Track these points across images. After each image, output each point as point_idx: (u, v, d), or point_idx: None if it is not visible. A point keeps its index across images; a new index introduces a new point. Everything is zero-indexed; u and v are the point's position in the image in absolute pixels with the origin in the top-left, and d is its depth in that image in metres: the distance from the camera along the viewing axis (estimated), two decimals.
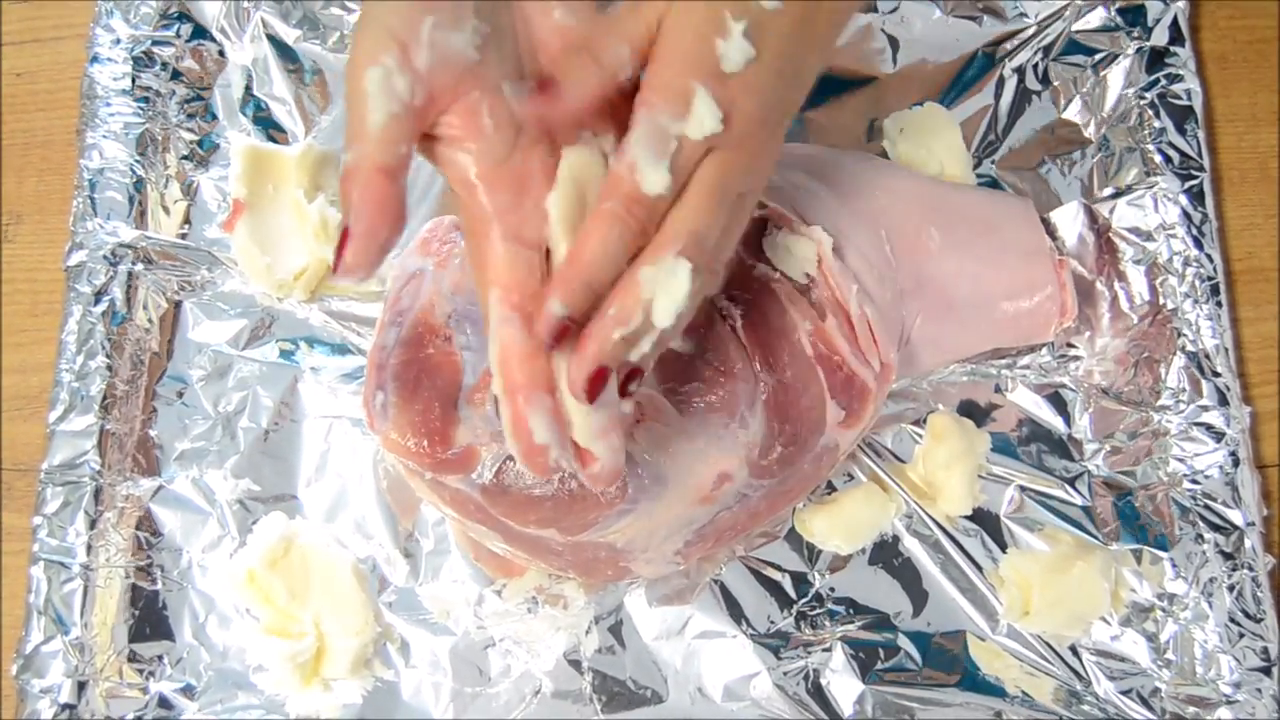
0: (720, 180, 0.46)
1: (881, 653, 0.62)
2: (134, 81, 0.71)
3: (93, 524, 0.63)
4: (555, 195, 0.46)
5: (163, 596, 0.63)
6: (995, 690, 0.61)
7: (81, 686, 0.60)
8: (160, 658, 0.62)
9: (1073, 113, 0.71)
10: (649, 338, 0.45)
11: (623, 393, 0.46)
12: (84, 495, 0.63)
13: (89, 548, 0.62)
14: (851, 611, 0.62)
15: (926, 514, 0.64)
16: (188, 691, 0.61)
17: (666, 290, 0.45)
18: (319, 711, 0.61)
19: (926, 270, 0.62)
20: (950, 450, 0.64)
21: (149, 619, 0.63)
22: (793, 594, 0.63)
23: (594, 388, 0.45)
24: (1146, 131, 0.69)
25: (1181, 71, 0.69)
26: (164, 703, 0.61)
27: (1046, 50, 0.71)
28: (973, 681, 0.61)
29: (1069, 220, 0.68)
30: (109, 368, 0.65)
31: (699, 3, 0.45)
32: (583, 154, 0.47)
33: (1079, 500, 0.64)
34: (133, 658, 0.62)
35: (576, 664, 0.61)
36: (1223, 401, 0.64)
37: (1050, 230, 0.66)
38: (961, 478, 0.63)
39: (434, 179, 0.71)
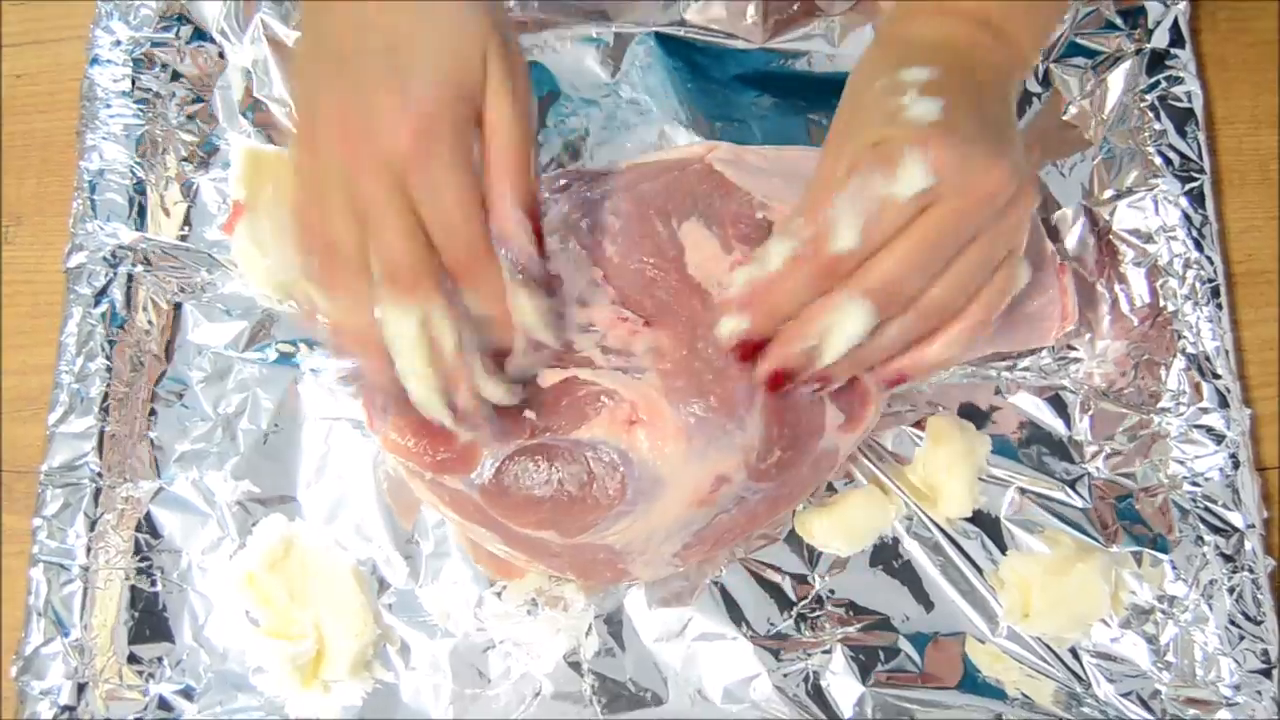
0: (934, 233, 0.49)
1: (881, 655, 0.62)
2: (134, 83, 0.71)
3: (92, 526, 0.63)
4: None
5: (162, 598, 0.63)
6: (995, 692, 0.61)
7: (81, 688, 0.60)
8: (160, 659, 0.62)
9: (1073, 114, 0.71)
10: (825, 359, 0.52)
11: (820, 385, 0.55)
12: (84, 497, 0.63)
13: (89, 549, 0.62)
14: (851, 614, 0.62)
15: (926, 516, 0.64)
16: (187, 693, 0.61)
17: (840, 327, 0.50)
18: (319, 713, 0.61)
19: None
20: (950, 452, 0.64)
21: (149, 621, 0.63)
22: (793, 596, 0.63)
23: (775, 385, 0.54)
24: (1147, 134, 0.69)
25: (1182, 74, 0.69)
26: (164, 704, 0.61)
27: (1047, 52, 0.71)
28: (973, 684, 0.61)
29: (1070, 222, 0.68)
30: (109, 369, 0.65)
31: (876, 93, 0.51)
32: None
33: (1079, 502, 0.64)
34: (132, 659, 0.62)
35: (576, 666, 0.61)
36: (1223, 404, 0.64)
37: (1051, 232, 0.66)
38: (962, 480, 0.63)
39: None
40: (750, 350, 0.53)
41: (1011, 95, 0.54)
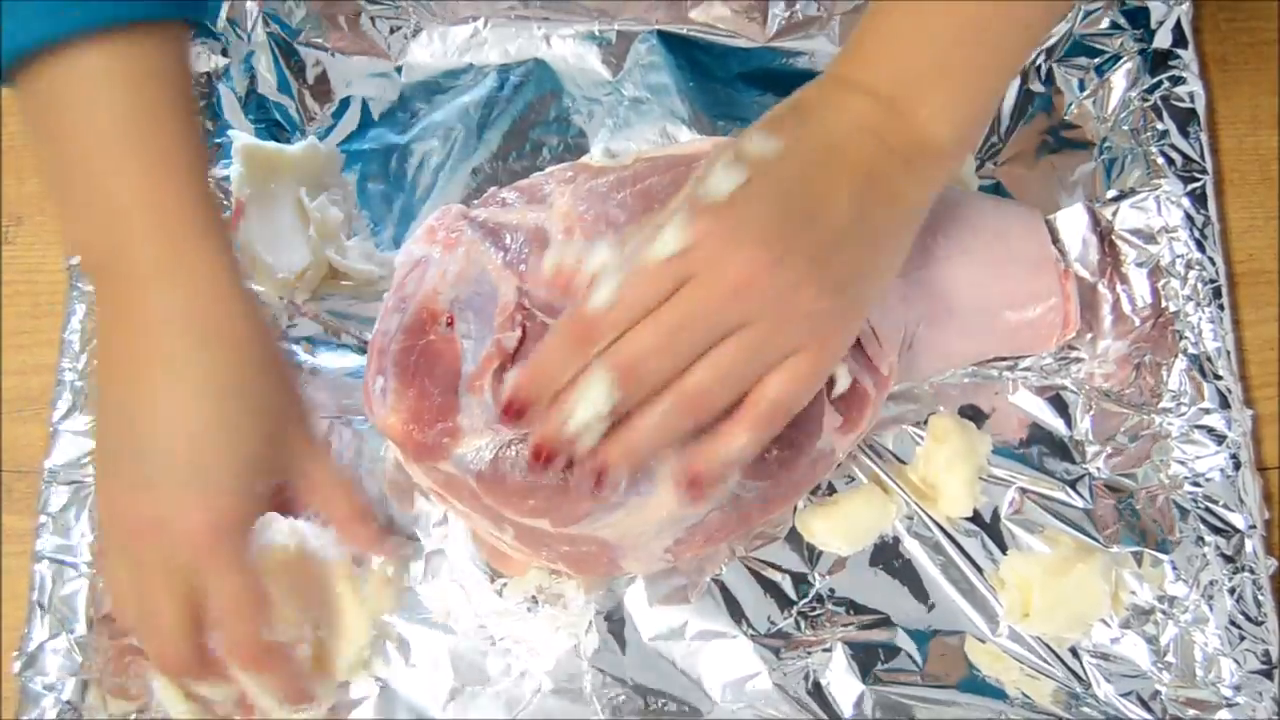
0: (680, 307, 0.49)
1: (881, 654, 0.62)
2: None
3: (96, 523, 0.62)
4: None
5: None
6: (995, 692, 0.61)
7: (85, 685, 0.60)
8: None
9: (1075, 114, 0.71)
10: (574, 431, 0.50)
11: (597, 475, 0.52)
12: (87, 494, 0.63)
13: (92, 546, 0.62)
14: (852, 612, 0.62)
15: (927, 515, 0.64)
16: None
17: (584, 397, 0.49)
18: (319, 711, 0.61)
19: (931, 276, 0.62)
20: (951, 452, 0.64)
21: None
22: (793, 594, 0.63)
23: (538, 459, 0.51)
24: (1149, 134, 0.69)
25: (1184, 74, 0.69)
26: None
27: (1049, 52, 0.71)
28: (972, 683, 0.61)
29: (1072, 222, 0.67)
30: None
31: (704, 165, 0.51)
32: None
33: (1080, 502, 0.64)
34: (135, 652, 0.61)
35: (577, 663, 0.61)
36: (1224, 404, 0.63)
37: (1053, 234, 0.66)
38: (962, 479, 0.63)
39: (436, 179, 0.71)
40: (512, 414, 0.52)
41: (895, 186, 0.51)
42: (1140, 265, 0.66)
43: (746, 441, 0.51)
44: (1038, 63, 0.71)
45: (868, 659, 0.61)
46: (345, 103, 0.73)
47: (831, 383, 0.58)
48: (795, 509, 0.64)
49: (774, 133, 0.50)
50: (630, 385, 0.49)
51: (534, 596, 0.62)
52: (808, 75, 0.71)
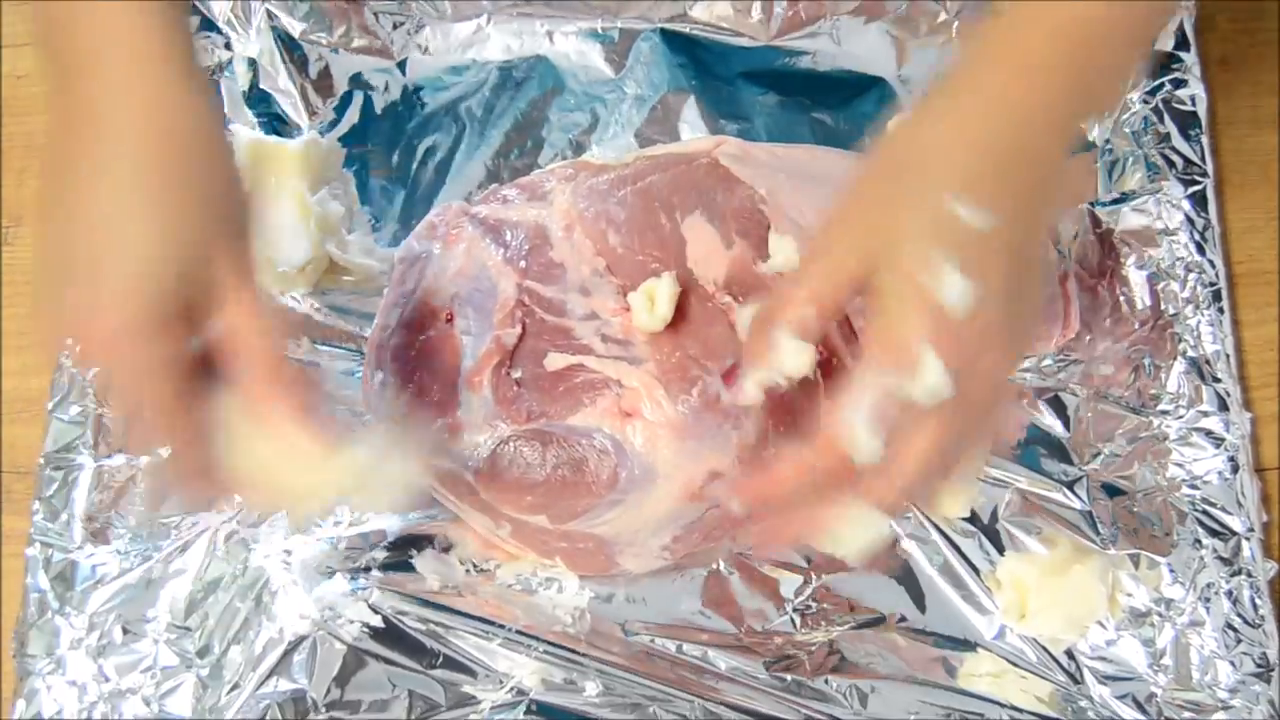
0: (942, 442, 0.45)
1: (878, 653, 0.62)
2: None
3: (88, 505, 0.63)
4: None
5: (156, 569, 0.63)
6: (990, 694, 0.61)
7: (83, 661, 0.61)
8: (159, 624, 0.62)
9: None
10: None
11: None
12: (76, 478, 0.63)
13: (86, 525, 0.63)
14: (848, 611, 0.62)
15: (924, 516, 0.64)
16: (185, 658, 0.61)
17: (856, 532, 0.48)
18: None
19: None
20: None
21: (146, 591, 0.62)
22: (789, 593, 0.62)
23: None
24: (1150, 136, 0.69)
25: (1186, 76, 0.70)
26: (167, 670, 0.61)
27: None
28: (968, 684, 0.61)
29: (1072, 224, 0.67)
30: None
31: (907, 256, 0.44)
32: None
33: (1077, 504, 0.64)
34: (127, 631, 0.62)
35: (571, 649, 0.61)
36: (1223, 407, 0.63)
37: (1054, 235, 0.66)
38: (960, 480, 0.63)
39: (437, 174, 0.71)
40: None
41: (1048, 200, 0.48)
42: (1140, 268, 0.66)
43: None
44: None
45: (863, 658, 0.61)
46: (347, 98, 0.73)
47: (829, 373, 0.58)
48: None
49: (985, 199, 0.45)
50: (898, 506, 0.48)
51: (528, 578, 0.62)
52: (810, 74, 0.72)
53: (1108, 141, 0.70)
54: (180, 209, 0.47)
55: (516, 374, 0.59)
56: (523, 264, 0.61)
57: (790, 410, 0.57)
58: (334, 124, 0.72)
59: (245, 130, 0.70)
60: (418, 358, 0.58)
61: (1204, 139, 0.68)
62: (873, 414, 0.44)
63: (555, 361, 0.58)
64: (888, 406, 0.44)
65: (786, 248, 0.59)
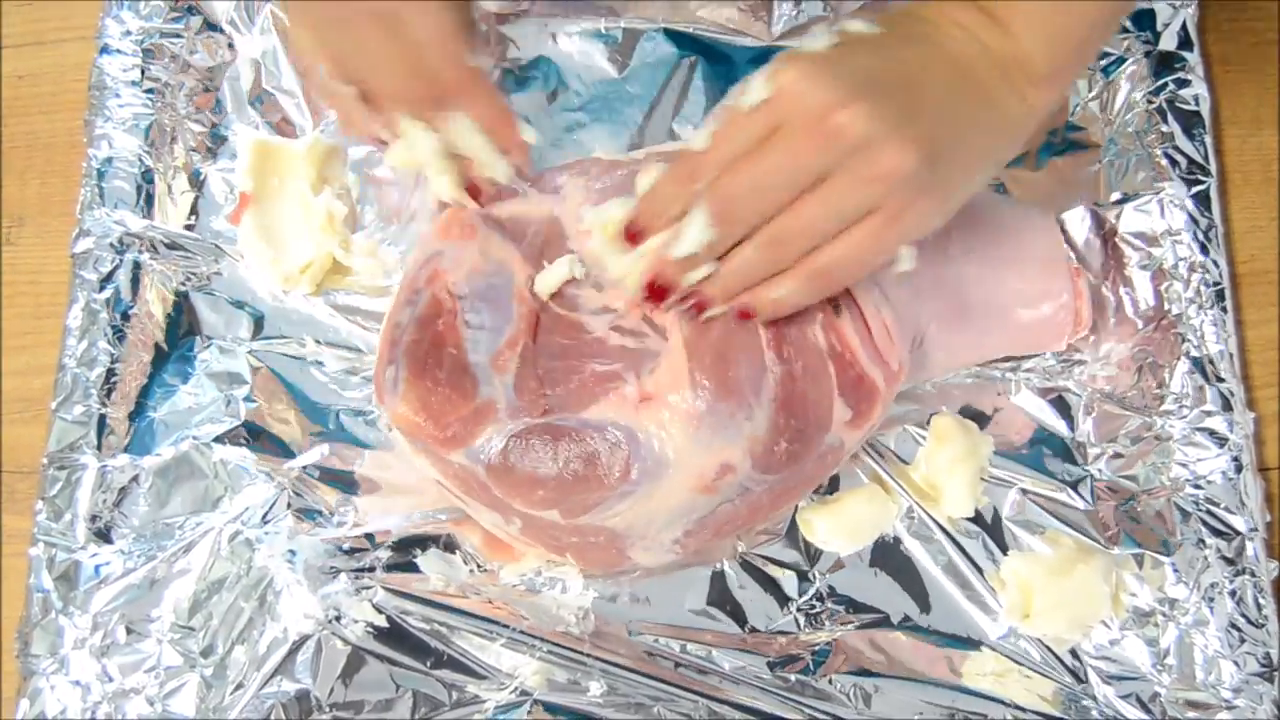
0: (768, 153, 0.51)
1: (881, 653, 0.62)
2: (143, 73, 0.71)
3: (92, 505, 0.63)
4: None
5: (159, 569, 0.63)
6: (994, 693, 0.61)
7: (86, 660, 0.61)
8: (163, 624, 0.62)
9: (1081, 116, 0.71)
10: (682, 265, 0.55)
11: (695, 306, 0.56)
12: (79, 478, 0.63)
13: (88, 528, 0.63)
14: (851, 611, 0.62)
15: (928, 515, 0.64)
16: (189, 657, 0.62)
17: (685, 232, 0.54)
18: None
19: (944, 273, 0.62)
20: (953, 452, 0.64)
21: (149, 591, 0.62)
22: (793, 592, 0.63)
23: (651, 294, 0.56)
24: (1154, 136, 0.69)
25: (1189, 76, 0.70)
26: (171, 670, 0.61)
27: None
28: (971, 684, 0.61)
29: (1076, 224, 0.67)
30: (112, 356, 0.65)
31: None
32: None
33: (1081, 504, 0.64)
34: (131, 631, 0.62)
35: (576, 648, 0.61)
36: (1226, 407, 0.63)
37: (1064, 234, 0.66)
38: (964, 480, 0.63)
39: None
40: (631, 237, 0.56)
41: (989, 88, 0.52)
42: (1143, 268, 0.66)
43: (792, 290, 0.54)
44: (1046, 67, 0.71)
45: (867, 658, 0.61)
46: None
47: (849, 364, 0.58)
48: (796, 507, 0.64)
49: (870, 17, 0.52)
50: (725, 224, 0.52)
51: (532, 578, 0.62)
52: None
53: (1111, 141, 0.70)
54: None
55: (533, 368, 0.59)
56: (536, 258, 0.61)
57: (802, 402, 0.57)
58: (337, 124, 0.72)
59: (249, 130, 0.71)
60: (431, 354, 0.58)
61: (1207, 139, 0.68)
62: (715, 117, 0.53)
63: (567, 354, 0.58)
64: (722, 110, 0.52)
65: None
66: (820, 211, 0.51)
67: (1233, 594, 0.61)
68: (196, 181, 0.70)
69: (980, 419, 0.66)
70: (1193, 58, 0.70)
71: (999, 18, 0.52)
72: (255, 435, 0.65)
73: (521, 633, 0.61)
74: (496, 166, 0.61)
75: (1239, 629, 0.60)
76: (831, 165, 0.50)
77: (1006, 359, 0.66)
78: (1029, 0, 0.52)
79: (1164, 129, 0.69)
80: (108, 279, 0.67)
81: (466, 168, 0.61)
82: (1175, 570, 0.62)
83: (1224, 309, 0.65)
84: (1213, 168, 0.68)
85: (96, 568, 0.62)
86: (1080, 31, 0.53)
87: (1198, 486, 0.63)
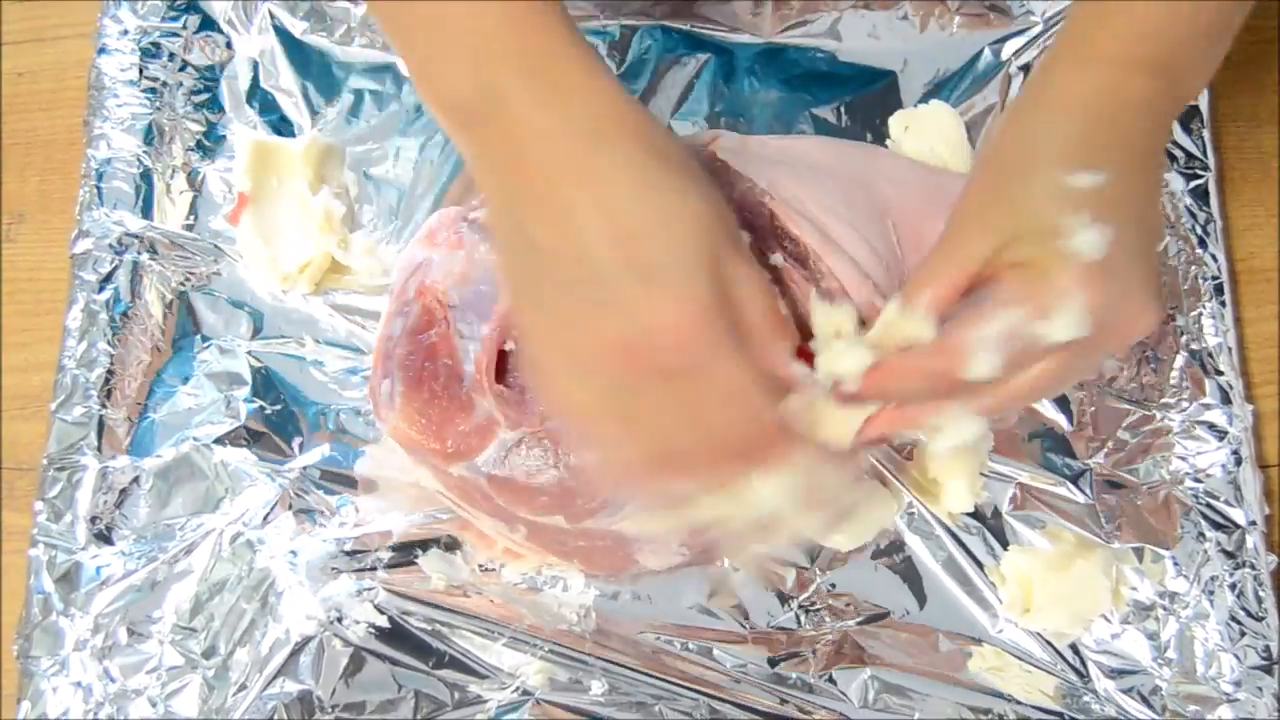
0: (1063, 365, 0.48)
1: (881, 649, 0.62)
2: (141, 72, 0.71)
3: (91, 506, 0.63)
4: None
5: (161, 570, 0.63)
6: (995, 688, 0.61)
7: (86, 662, 0.61)
8: (163, 625, 0.62)
9: None
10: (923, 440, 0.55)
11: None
12: (80, 479, 0.63)
13: (88, 529, 0.63)
14: (852, 607, 0.62)
15: (928, 511, 0.64)
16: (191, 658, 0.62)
17: (953, 432, 0.50)
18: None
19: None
20: (954, 449, 0.63)
21: (150, 593, 0.63)
22: (794, 589, 0.63)
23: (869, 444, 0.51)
24: None
25: None
26: (172, 670, 0.61)
27: None
28: (972, 679, 0.61)
29: None
30: (111, 356, 0.65)
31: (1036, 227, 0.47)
32: None
33: (1081, 498, 0.64)
34: (133, 633, 0.62)
35: (576, 646, 0.61)
36: (1225, 400, 0.64)
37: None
38: (965, 476, 0.63)
39: (438, 174, 0.71)
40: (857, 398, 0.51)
41: (1160, 162, 0.51)
42: None
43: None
44: (1040, 60, 0.71)
45: (867, 654, 0.61)
46: (349, 97, 0.73)
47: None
48: None
49: (1099, 166, 0.47)
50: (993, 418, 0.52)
51: (533, 576, 0.63)
52: (811, 72, 0.72)
53: None
54: (694, 207, 0.46)
55: (521, 376, 0.59)
56: None
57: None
58: (335, 123, 0.72)
59: (247, 129, 0.71)
60: (424, 366, 0.58)
61: (1205, 133, 0.68)
62: (999, 339, 0.47)
63: None
64: (1014, 338, 0.47)
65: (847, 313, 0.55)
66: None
67: (1233, 587, 0.61)
68: (195, 181, 0.70)
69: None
70: None
71: (1178, 80, 0.49)
72: (255, 436, 0.65)
73: (523, 632, 0.62)
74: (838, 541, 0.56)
75: (1239, 622, 0.60)
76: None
77: None
78: (1200, 53, 0.51)
79: None
80: (107, 280, 0.67)
81: None
82: (1175, 564, 0.62)
83: (1222, 303, 0.65)
84: (1211, 162, 0.68)
85: (97, 569, 0.62)
86: (1221, 50, 0.53)
87: (1197, 480, 0.63)
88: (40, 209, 0.72)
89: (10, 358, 0.69)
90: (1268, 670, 0.60)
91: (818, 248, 0.58)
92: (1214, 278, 0.66)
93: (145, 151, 0.70)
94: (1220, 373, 0.64)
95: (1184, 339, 0.65)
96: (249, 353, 0.67)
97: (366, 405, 0.66)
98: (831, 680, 0.61)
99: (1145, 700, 0.60)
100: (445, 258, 0.60)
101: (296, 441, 0.65)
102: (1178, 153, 0.68)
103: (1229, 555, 0.61)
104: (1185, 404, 0.64)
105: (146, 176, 0.69)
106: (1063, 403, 0.65)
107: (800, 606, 0.62)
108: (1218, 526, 0.62)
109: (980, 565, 0.63)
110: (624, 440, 0.49)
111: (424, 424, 0.57)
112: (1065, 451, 0.65)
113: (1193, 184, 0.67)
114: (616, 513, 0.56)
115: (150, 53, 0.72)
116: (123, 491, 0.64)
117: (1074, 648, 0.62)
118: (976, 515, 0.64)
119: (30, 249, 0.71)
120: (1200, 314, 0.65)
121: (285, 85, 0.72)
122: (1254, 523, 0.62)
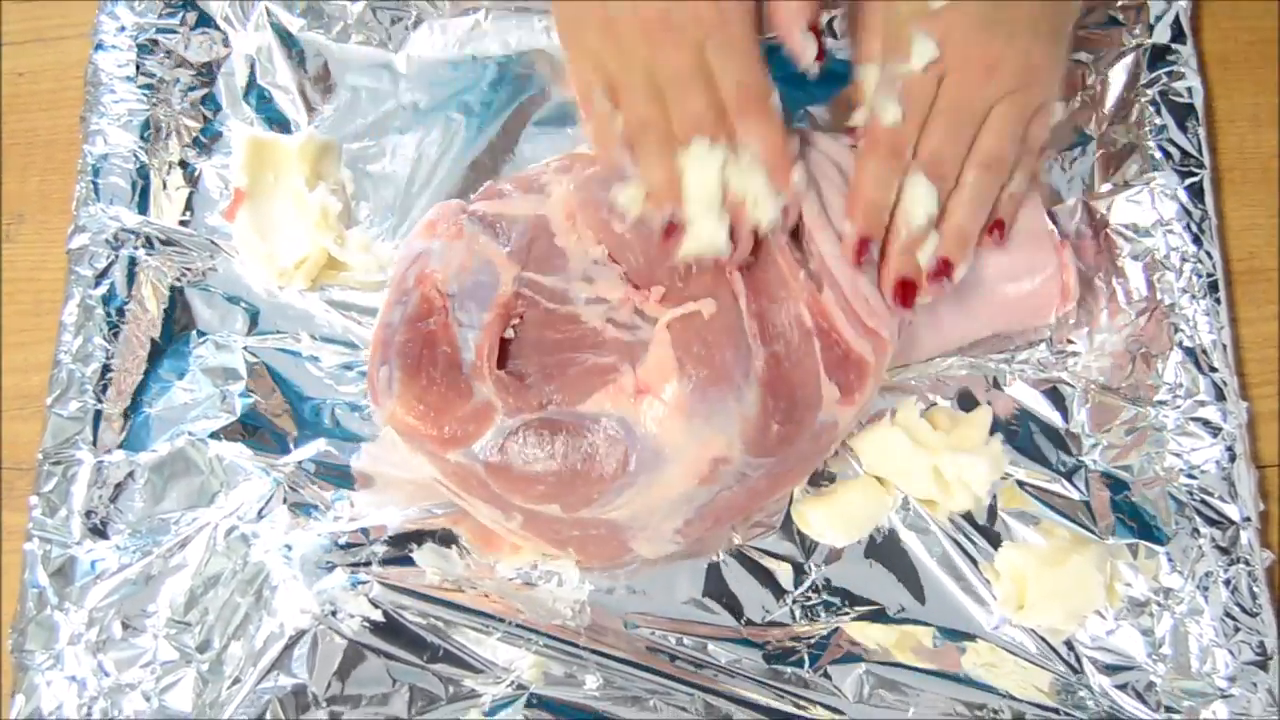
0: (952, 100, 0.57)
1: (876, 645, 0.62)
2: (138, 69, 0.72)
3: (87, 501, 0.63)
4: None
5: (157, 564, 0.63)
6: (990, 684, 0.61)
7: (81, 656, 0.61)
8: (158, 619, 0.62)
9: (1075, 108, 0.71)
10: (917, 241, 0.58)
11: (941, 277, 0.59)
12: (75, 474, 0.63)
13: (84, 523, 0.63)
14: (847, 603, 0.62)
15: (923, 507, 0.64)
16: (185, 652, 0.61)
17: (914, 204, 0.57)
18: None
19: None
20: (978, 460, 0.63)
21: (143, 587, 0.62)
22: (789, 584, 0.63)
23: (902, 296, 0.58)
24: (1147, 128, 0.69)
25: (1183, 69, 0.70)
26: (167, 664, 0.61)
27: None
28: (967, 675, 0.61)
29: (1068, 216, 0.68)
30: (107, 351, 0.65)
31: None
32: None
33: (1076, 494, 0.64)
34: (127, 626, 0.62)
35: (571, 641, 0.61)
36: (1219, 397, 0.64)
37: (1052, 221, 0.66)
38: (980, 487, 0.63)
39: (434, 170, 0.71)
40: (864, 248, 0.58)
41: None
42: (1136, 258, 0.67)
43: (967, 206, 0.59)
44: None
45: (862, 649, 0.61)
46: (345, 94, 0.73)
47: (835, 341, 0.59)
48: (792, 499, 0.64)
49: None
50: (939, 178, 0.58)
51: (528, 572, 0.63)
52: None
53: (1105, 133, 0.70)
54: None
55: (520, 364, 0.59)
56: (524, 256, 0.61)
57: (788, 383, 0.58)
58: (332, 120, 0.72)
59: (244, 126, 0.71)
60: (423, 354, 0.58)
61: (1200, 131, 0.69)
62: (887, 89, 0.57)
63: (562, 348, 0.58)
64: (897, 81, 0.57)
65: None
66: (1012, 120, 0.58)
67: (1227, 583, 0.61)
68: (191, 177, 0.71)
69: (970, 406, 0.66)
70: (1186, 50, 0.70)
71: None
72: (251, 431, 0.65)
73: (518, 626, 0.61)
74: (767, 209, 0.57)
75: (1234, 618, 0.60)
76: (1004, 88, 0.57)
77: (1000, 350, 0.67)
78: None
79: (1157, 121, 0.69)
80: (103, 275, 0.67)
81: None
82: (1170, 560, 0.62)
83: (1217, 300, 0.65)
84: (1206, 160, 0.68)
85: (92, 563, 0.62)
86: None
87: (1192, 476, 0.63)
88: (40, 209, 0.72)
89: (10, 358, 0.69)
90: (1262, 666, 0.60)
91: None
92: (1209, 275, 0.66)
93: (142, 147, 0.70)
94: (1215, 370, 0.64)
95: (1179, 336, 0.65)
96: (245, 348, 0.67)
97: (362, 401, 0.66)
98: (826, 675, 0.61)
99: (1140, 696, 0.60)
100: (445, 248, 0.61)
101: (291, 436, 0.65)
102: (1173, 151, 0.68)
103: (1223, 551, 0.61)
104: (1180, 400, 0.64)
105: (143, 172, 0.70)
106: (1058, 399, 0.66)
107: (795, 602, 0.62)
108: (1212, 522, 0.62)
109: (975, 561, 0.63)
110: (643, 98, 0.57)
111: (421, 410, 0.57)
112: (1060, 448, 0.65)
113: (1188, 182, 0.67)
114: (612, 501, 0.56)
115: (147, 49, 0.72)
116: (118, 486, 0.64)
117: (1069, 644, 0.61)
118: (971, 512, 0.64)
119: (30, 249, 0.71)
120: (1195, 311, 0.65)
121: (282, 82, 0.72)
122: (1248, 518, 0.62)
